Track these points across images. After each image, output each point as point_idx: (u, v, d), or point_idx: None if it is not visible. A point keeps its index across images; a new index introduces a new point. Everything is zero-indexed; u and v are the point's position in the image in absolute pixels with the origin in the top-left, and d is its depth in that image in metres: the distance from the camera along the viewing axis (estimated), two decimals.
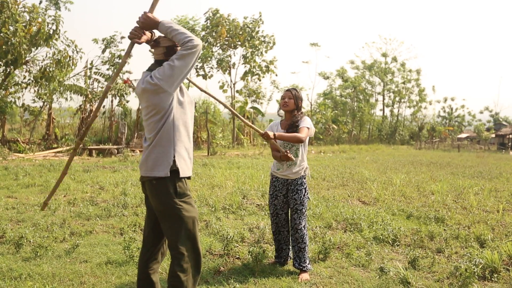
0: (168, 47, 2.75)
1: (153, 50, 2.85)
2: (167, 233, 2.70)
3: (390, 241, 4.84)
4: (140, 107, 2.94)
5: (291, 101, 3.94)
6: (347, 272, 3.91)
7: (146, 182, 2.71)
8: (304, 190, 3.90)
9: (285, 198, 3.96)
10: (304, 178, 3.93)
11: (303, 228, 3.87)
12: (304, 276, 3.75)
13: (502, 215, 6.39)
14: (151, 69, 2.73)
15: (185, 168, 2.71)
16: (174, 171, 2.65)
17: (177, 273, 2.63)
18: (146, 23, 2.68)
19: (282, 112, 4.06)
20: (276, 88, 33.54)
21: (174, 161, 2.65)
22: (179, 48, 2.72)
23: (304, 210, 3.89)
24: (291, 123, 3.92)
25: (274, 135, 3.63)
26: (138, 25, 2.70)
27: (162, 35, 2.75)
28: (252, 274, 3.77)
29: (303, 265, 3.82)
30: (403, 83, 43.34)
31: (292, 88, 4.03)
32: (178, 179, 2.67)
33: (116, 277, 3.60)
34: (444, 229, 5.47)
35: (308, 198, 3.96)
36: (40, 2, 15.69)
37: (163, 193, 2.64)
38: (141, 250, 2.90)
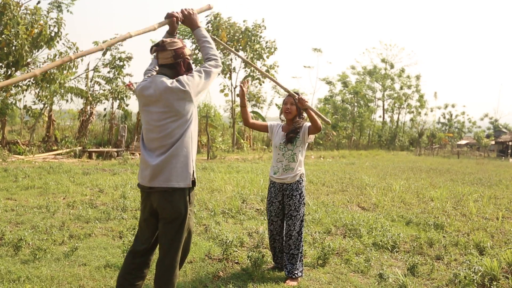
0: (176, 50, 2.71)
1: (157, 55, 2.77)
2: (169, 242, 2.65)
3: (389, 248, 4.84)
4: (143, 110, 2.76)
5: (293, 107, 3.90)
6: (346, 278, 3.90)
7: (158, 192, 2.63)
8: (299, 195, 3.83)
9: (281, 205, 3.93)
10: (301, 184, 3.87)
11: (297, 235, 3.80)
12: (292, 283, 3.69)
13: (501, 222, 6.38)
14: (163, 73, 2.71)
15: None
16: (192, 181, 2.68)
17: (173, 281, 2.68)
18: (189, 18, 2.84)
19: (283, 116, 4.05)
20: (277, 93, 33.58)
21: (193, 172, 2.68)
22: (185, 50, 2.73)
23: (299, 216, 3.82)
24: (292, 129, 3.90)
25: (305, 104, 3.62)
26: (180, 13, 2.81)
27: (165, 38, 2.75)
28: (251, 279, 3.77)
29: (294, 272, 3.76)
30: (401, 88, 43.39)
31: (294, 93, 3.97)
32: (192, 188, 2.72)
33: (114, 280, 3.58)
34: (444, 236, 5.46)
35: (304, 204, 3.89)
36: (38, 2, 15.69)
37: (181, 202, 2.62)
38: (128, 263, 2.77)
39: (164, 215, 2.64)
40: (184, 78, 2.61)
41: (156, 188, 2.63)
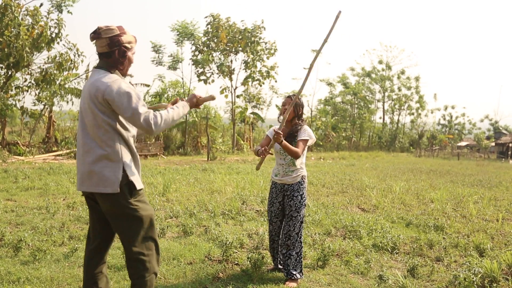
0: (111, 38, 2.57)
1: (96, 43, 2.63)
2: (123, 235, 2.60)
3: (389, 249, 4.83)
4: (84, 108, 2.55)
5: (290, 109, 3.89)
6: (346, 279, 3.90)
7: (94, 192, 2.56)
8: (300, 196, 3.82)
9: (281, 206, 3.92)
10: (302, 185, 3.86)
11: (296, 236, 3.79)
12: (291, 284, 3.68)
13: (501, 224, 6.38)
14: (100, 66, 2.61)
15: (138, 178, 2.62)
16: (128, 184, 2.56)
17: (141, 273, 2.60)
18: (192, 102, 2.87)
19: (282, 118, 4.03)
20: (275, 94, 33.62)
21: (126, 175, 2.54)
22: (123, 38, 2.59)
23: (299, 217, 3.80)
24: (290, 132, 3.86)
25: (281, 141, 3.56)
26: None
27: (102, 25, 2.62)
28: (251, 280, 3.76)
29: (292, 273, 3.74)
30: (399, 89, 43.39)
31: (292, 95, 3.92)
32: (131, 184, 2.59)
33: (114, 281, 3.59)
34: (444, 238, 5.46)
35: (305, 205, 3.88)
36: (41, 5, 15.75)
37: (121, 200, 2.54)
38: (88, 254, 2.75)
39: (106, 211, 2.59)
40: (119, 91, 2.46)
41: (87, 193, 2.59)
